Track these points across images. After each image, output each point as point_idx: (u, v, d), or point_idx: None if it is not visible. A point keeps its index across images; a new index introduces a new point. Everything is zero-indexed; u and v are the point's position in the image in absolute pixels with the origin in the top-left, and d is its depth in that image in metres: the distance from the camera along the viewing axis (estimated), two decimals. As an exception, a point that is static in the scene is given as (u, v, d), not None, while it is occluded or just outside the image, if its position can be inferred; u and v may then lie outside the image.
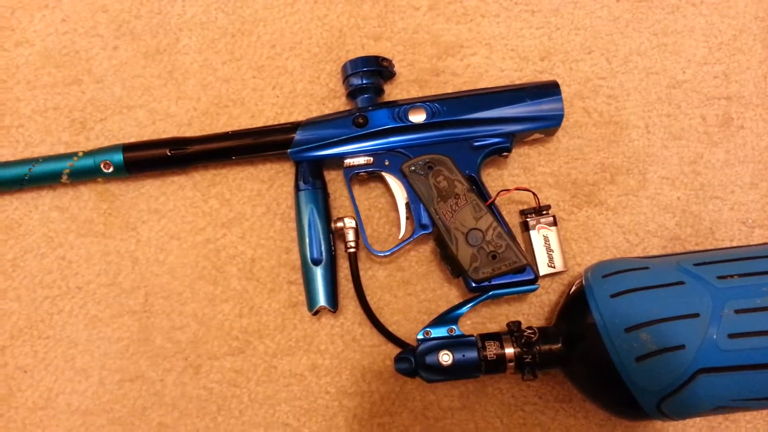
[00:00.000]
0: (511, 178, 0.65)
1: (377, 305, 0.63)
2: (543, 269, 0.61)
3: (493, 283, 0.58)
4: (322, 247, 0.60)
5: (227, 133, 0.62)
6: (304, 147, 0.61)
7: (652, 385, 0.50)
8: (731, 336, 0.48)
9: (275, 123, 0.64)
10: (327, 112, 0.66)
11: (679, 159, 0.65)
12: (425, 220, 0.60)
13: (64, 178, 0.62)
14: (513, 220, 0.64)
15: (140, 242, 0.65)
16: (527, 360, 0.55)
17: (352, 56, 0.65)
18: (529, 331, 0.55)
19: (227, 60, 0.67)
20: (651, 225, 0.64)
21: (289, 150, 0.61)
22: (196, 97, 0.67)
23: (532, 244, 0.61)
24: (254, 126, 0.64)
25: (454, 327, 0.58)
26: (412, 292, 0.64)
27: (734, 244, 0.64)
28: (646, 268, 0.54)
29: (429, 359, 0.56)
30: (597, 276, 0.54)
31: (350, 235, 0.61)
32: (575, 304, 0.56)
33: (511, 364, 0.55)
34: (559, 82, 0.62)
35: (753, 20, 0.67)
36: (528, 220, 0.62)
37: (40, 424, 0.63)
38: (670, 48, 0.67)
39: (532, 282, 0.58)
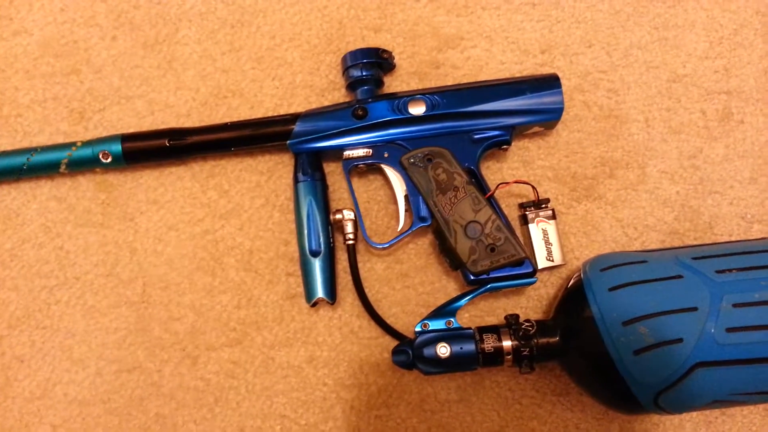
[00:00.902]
0: (511, 171, 0.65)
1: (375, 297, 0.63)
2: (541, 263, 0.61)
3: (491, 275, 0.58)
4: (321, 239, 0.60)
5: (226, 124, 0.62)
6: (304, 138, 0.61)
7: (649, 379, 0.50)
8: (729, 330, 0.48)
9: (274, 114, 0.64)
10: (326, 103, 0.66)
11: (679, 153, 0.65)
12: (424, 212, 0.60)
13: (63, 167, 0.62)
14: (512, 214, 0.64)
15: (138, 233, 0.65)
16: (525, 353, 0.55)
17: (352, 48, 0.65)
18: (527, 324, 0.55)
19: (226, 51, 0.67)
20: (650, 219, 0.64)
21: (288, 141, 0.61)
22: (195, 87, 0.66)
23: (530, 238, 0.61)
24: (253, 117, 0.64)
25: (452, 319, 0.58)
26: (411, 285, 0.64)
27: (733, 238, 0.64)
28: (645, 261, 0.54)
29: (426, 351, 0.56)
30: (595, 269, 0.54)
31: (349, 227, 0.61)
32: (573, 298, 0.56)
33: (509, 357, 0.55)
34: (560, 75, 0.62)
35: (754, 15, 0.67)
36: (527, 213, 0.62)
37: (37, 413, 0.63)
38: (671, 42, 0.67)
39: (530, 275, 0.58)
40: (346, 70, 0.62)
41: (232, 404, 0.63)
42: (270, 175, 0.65)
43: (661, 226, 0.64)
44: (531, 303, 0.63)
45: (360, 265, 0.62)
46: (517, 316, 0.57)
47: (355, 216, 0.61)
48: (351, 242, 0.61)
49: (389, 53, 0.63)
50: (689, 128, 0.65)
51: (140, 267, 0.64)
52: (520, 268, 0.58)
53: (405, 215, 0.61)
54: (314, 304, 0.61)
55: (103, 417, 0.63)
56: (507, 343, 0.56)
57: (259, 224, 0.65)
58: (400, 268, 0.64)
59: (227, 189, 0.65)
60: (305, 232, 0.60)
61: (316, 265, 0.60)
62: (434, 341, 0.56)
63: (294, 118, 0.61)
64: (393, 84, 0.66)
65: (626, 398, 0.52)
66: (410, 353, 0.56)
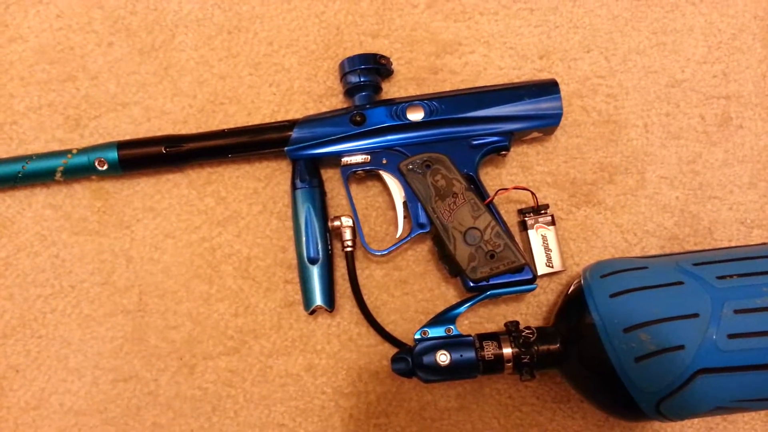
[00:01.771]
0: (510, 177, 0.65)
1: (374, 305, 0.63)
2: (541, 269, 0.61)
3: (491, 282, 0.58)
4: (319, 246, 0.60)
5: (223, 130, 0.62)
6: (301, 145, 0.61)
7: (650, 386, 0.49)
8: (731, 336, 0.48)
9: (272, 121, 0.64)
10: (324, 109, 0.65)
11: (678, 158, 0.65)
12: (423, 219, 0.59)
13: (58, 175, 0.62)
14: (511, 220, 0.63)
15: (135, 241, 0.64)
16: (525, 360, 0.55)
17: (350, 54, 0.64)
18: (527, 331, 0.55)
19: (223, 57, 0.67)
20: (649, 225, 0.64)
21: (285, 148, 0.61)
22: (191, 94, 0.66)
23: (530, 244, 0.61)
24: (251, 124, 0.64)
25: (451, 327, 0.58)
26: (410, 292, 0.63)
27: (733, 244, 0.64)
28: (645, 267, 0.53)
29: (426, 359, 0.55)
30: (596, 276, 0.54)
31: (347, 234, 0.60)
32: (573, 304, 0.56)
33: (509, 364, 0.55)
34: (558, 80, 0.62)
35: (752, 19, 0.67)
36: (526, 219, 0.61)
37: (33, 424, 0.62)
38: (670, 47, 0.66)
39: (530, 282, 0.58)
40: (343, 76, 0.62)
41: (230, 413, 0.62)
42: (267, 181, 0.65)
43: (660, 231, 0.64)
44: (531, 309, 0.63)
45: (358, 272, 0.62)
46: (517, 323, 0.57)
47: (353, 223, 0.61)
48: (349, 249, 0.60)
49: (387, 59, 0.63)
50: (688, 133, 0.65)
51: (136, 275, 0.64)
52: (520, 274, 0.58)
53: (404, 222, 0.61)
54: (312, 312, 0.60)
55: (100, 427, 0.62)
56: (507, 351, 0.55)
57: (256, 231, 0.64)
58: (399, 275, 0.63)
59: (224, 196, 0.65)
60: (303, 239, 0.60)
61: (315, 272, 0.60)
62: (434, 349, 0.56)
63: (291, 124, 0.61)
64: (391, 90, 0.66)
65: (628, 405, 0.51)
66: (410, 361, 0.56)
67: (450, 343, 0.56)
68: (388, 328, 0.61)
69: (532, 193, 0.61)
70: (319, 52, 0.67)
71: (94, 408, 0.62)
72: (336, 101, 0.66)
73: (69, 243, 0.64)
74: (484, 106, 0.60)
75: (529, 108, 0.60)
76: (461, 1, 0.67)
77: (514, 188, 0.62)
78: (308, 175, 0.61)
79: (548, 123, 0.60)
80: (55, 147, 0.65)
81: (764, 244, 0.60)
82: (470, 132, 0.60)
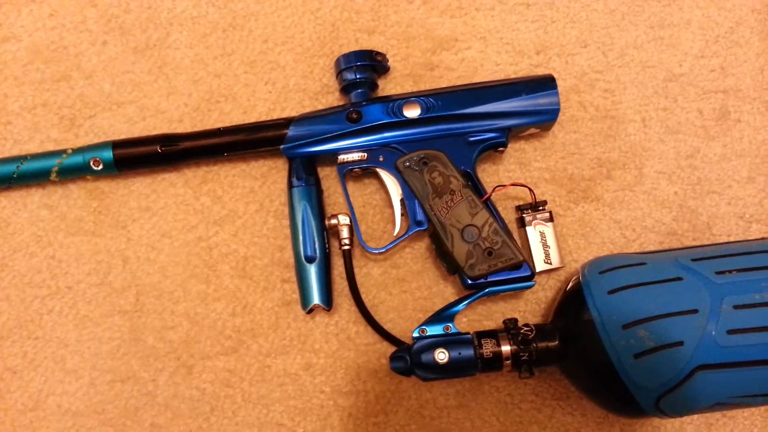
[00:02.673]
0: (507, 173, 0.64)
1: (372, 303, 0.62)
2: (539, 265, 0.60)
3: (489, 280, 0.57)
4: (316, 245, 0.59)
5: (219, 129, 0.61)
6: (297, 143, 0.60)
7: (650, 383, 0.49)
8: (730, 332, 0.48)
9: (268, 119, 0.63)
10: (320, 107, 0.65)
11: (676, 153, 0.64)
12: (420, 216, 0.59)
13: (53, 175, 0.61)
14: (509, 216, 0.63)
15: (131, 241, 0.64)
16: (524, 358, 0.55)
17: (346, 50, 0.64)
18: (525, 328, 0.55)
19: (218, 55, 0.66)
20: (648, 220, 0.63)
21: (281, 146, 0.60)
22: (187, 92, 0.66)
23: (528, 241, 0.61)
24: (246, 122, 0.63)
25: (450, 325, 0.57)
26: (408, 290, 0.63)
27: (732, 239, 0.63)
28: (644, 263, 0.53)
29: (425, 357, 0.55)
30: (594, 272, 0.54)
31: (344, 232, 0.60)
32: (572, 301, 0.56)
33: (508, 362, 0.55)
34: (555, 75, 0.61)
35: (750, 13, 0.66)
36: (524, 215, 0.61)
37: (30, 425, 0.62)
38: (667, 41, 0.66)
39: (528, 279, 0.58)
40: (339, 73, 0.62)
41: (228, 413, 0.62)
42: (264, 180, 0.64)
43: (659, 227, 0.63)
44: (529, 306, 0.63)
45: (356, 270, 0.61)
46: (516, 320, 0.57)
47: (350, 221, 0.60)
48: (347, 247, 0.60)
49: (383, 55, 0.63)
50: (686, 128, 0.65)
51: (133, 275, 0.64)
52: (518, 271, 0.57)
53: (401, 219, 0.60)
54: (310, 311, 0.60)
55: (98, 428, 0.62)
56: (506, 348, 0.55)
57: (253, 230, 0.64)
58: (397, 272, 0.63)
59: (221, 195, 0.64)
60: (300, 237, 0.59)
61: (312, 271, 0.59)
62: (432, 347, 0.55)
63: (287, 122, 0.61)
64: (387, 87, 0.65)
65: (627, 402, 0.51)
66: (408, 359, 0.56)
67: (448, 341, 0.56)
68: (386, 327, 0.61)
69: (530, 190, 0.61)
70: (314, 49, 0.66)
71: (91, 409, 0.62)
72: (332, 98, 0.65)
73: (65, 243, 0.64)
74: (480, 102, 0.59)
75: (526, 104, 0.59)
76: (457, -3, 0.67)
77: (512, 185, 0.61)
78: (305, 173, 0.61)
79: (546, 119, 0.60)
80: (50, 147, 0.65)
81: (763, 238, 0.60)
82: (467, 128, 0.60)
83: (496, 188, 0.60)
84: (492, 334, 0.56)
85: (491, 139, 0.60)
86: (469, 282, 0.57)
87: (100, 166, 0.61)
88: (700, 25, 0.66)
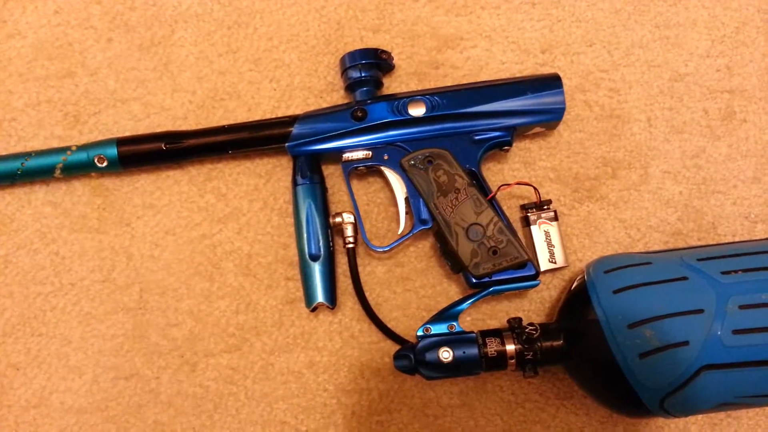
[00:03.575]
0: (512, 172, 0.64)
1: (376, 301, 0.62)
2: (544, 265, 0.60)
3: (493, 279, 0.57)
4: (320, 243, 0.59)
5: (223, 126, 0.61)
6: (302, 141, 0.60)
7: (655, 382, 0.49)
8: (736, 332, 0.48)
9: (272, 116, 0.63)
10: (325, 105, 0.65)
11: (681, 153, 0.64)
12: (425, 215, 0.59)
13: (58, 172, 0.61)
14: (514, 215, 0.63)
15: (135, 238, 0.64)
16: (528, 357, 0.55)
17: (351, 49, 0.64)
18: (530, 327, 0.55)
19: (223, 52, 0.66)
20: (653, 220, 0.63)
21: (286, 144, 0.60)
22: (191, 90, 0.66)
23: (532, 240, 0.61)
24: (251, 119, 0.63)
25: (454, 323, 0.57)
26: (412, 288, 0.63)
27: (737, 239, 0.63)
28: (649, 263, 0.53)
29: (429, 356, 0.55)
30: (599, 271, 0.54)
31: (349, 231, 0.60)
32: (577, 300, 0.56)
33: (512, 361, 0.55)
34: (561, 74, 0.61)
35: (756, 12, 0.66)
36: (529, 215, 0.61)
37: (33, 422, 0.62)
38: (673, 40, 0.66)
39: (533, 278, 0.58)
40: (344, 71, 0.62)
41: (232, 411, 0.62)
42: (268, 178, 0.64)
43: (664, 226, 0.63)
44: (534, 306, 0.63)
45: (360, 268, 0.61)
46: (520, 319, 0.57)
47: (354, 219, 0.60)
48: (351, 246, 0.60)
49: (388, 54, 0.63)
50: (692, 127, 0.65)
51: (137, 272, 0.64)
52: (523, 270, 0.57)
53: (405, 218, 0.60)
54: (314, 309, 0.60)
55: (101, 425, 0.62)
56: (510, 347, 0.55)
57: (257, 228, 0.64)
58: (401, 271, 0.63)
59: (225, 192, 0.64)
60: (304, 235, 0.59)
61: (316, 269, 0.59)
62: (436, 346, 0.55)
63: (292, 120, 0.60)
64: (392, 85, 0.65)
65: (632, 402, 0.51)
66: (412, 358, 0.56)
67: (453, 339, 0.56)
68: (390, 325, 0.61)
69: (535, 189, 0.61)
70: (319, 47, 0.66)
71: (95, 406, 0.62)
72: (337, 97, 0.65)
73: (69, 240, 0.64)
74: (486, 100, 0.59)
75: (531, 103, 0.59)
76: (463, -5, 0.67)
77: (517, 183, 0.61)
78: (309, 171, 0.60)
79: (551, 118, 0.60)
80: (55, 144, 0.65)
81: (768, 239, 0.60)
82: (472, 127, 0.59)
83: (501, 187, 0.60)
84: (496, 333, 0.56)
85: (496, 138, 0.60)
86: (474, 281, 0.57)
87: (105, 164, 0.61)
88: (706, 24, 0.66)
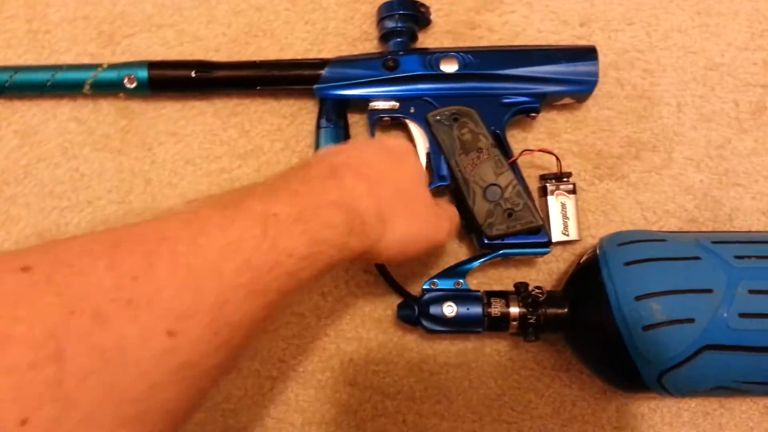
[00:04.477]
0: (536, 142, 0.64)
1: (386, 253, 0.62)
2: (556, 236, 0.60)
3: (505, 241, 0.57)
4: (338, 188, 0.59)
5: (255, 62, 0.61)
6: (331, 84, 0.60)
7: (656, 356, 0.49)
8: (742, 315, 0.48)
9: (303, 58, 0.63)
10: (357, 53, 0.65)
11: (707, 142, 0.64)
12: (444, 171, 0.59)
13: (87, 88, 0.61)
14: (532, 185, 0.62)
15: (155, 163, 0.64)
16: (531, 321, 0.55)
17: (388, -1, 0.64)
18: (537, 290, 0.55)
19: (262, -11, 0.66)
20: (670, 205, 0.63)
21: (315, 86, 0.60)
22: (226, 22, 0.66)
23: (548, 210, 0.60)
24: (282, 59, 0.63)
25: (461, 281, 0.58)
26: (422, 245, 0.63)
27: (752, 233, 0.63)
28: (664, 240, 0.53)
29: (433, 309, 0.55)
30: (613, 244, 0.54)
31: (367, 179, 0.60)
32: (586, 271, 0.56)
33: (515, 323, 0.55)
34: (597, 49, 0.61)
35: (800, 11, 0.66)
36: (547, 185, 0.61)
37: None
38: (712, 29, 0.65)
39: (545, 245, 0.58)
40: (381, 20, 0.61)
41: (232, 343, 0.62)
42: (293, 119, 0.65)
43: (680, 212, 0.63)
44: (541, 276, 0.63)
45: (374, 218, 0.61)
46: (527, 284, 0.57)
47: (374, 168, 0.60)
48: (368, 194, 0.60)
49: (427, 7, 0.62)
50: (720, 117, 0.64)
51: (153, 198, 0.64)
52: (536, 236, 0.57)
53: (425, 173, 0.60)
54: (324, 252, 0.60)
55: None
56: (514, 310, 0.55)
57: (276, 168, 0.64)
58: (414, 226, 0.63)
59: (248, 129, 0.65)
60: (324, 176, 0.59)
61: (331, 213, 0.59)
62: (441, 300, 0.56)
63: (324, 63, 0.60)
64: (426, 41, 0.65)
65: (630, 375, 0.51)
66: (416, 309, 0.56)
67: (458, 295, 0.56)
68: (397, 279, 0.61)
69: (557, 158, 0.60)
70: (358, -6, 0.66)
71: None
72: (370, 46, 0.65)
73: (90, 158, 0.64)
74: (519, 64, 0.59)
75: (564, 71, 0.59)
76: (507, -40, 0.66)
77: (540, 151, 0.61)
78: (335, 115, 0.60)
79: (582, 89, 0.60)
80: (86, 61, 0.65)
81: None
82: (502, 90, 0.59)
83: (524, 152, 0.60)
84: (502, 295, 0.56)
85: (525, 103, 0.59)
86: (486, 241, 0.57)
87: (134, 85, 0.61)
88: (748, 17, 0.66)
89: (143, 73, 0.61)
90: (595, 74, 0.59)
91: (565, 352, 0.61)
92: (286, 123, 0.65)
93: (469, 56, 0.59)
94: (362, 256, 0.44)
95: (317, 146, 0.61)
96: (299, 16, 0.66)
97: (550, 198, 0.61)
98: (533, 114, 0.60)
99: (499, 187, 0.57)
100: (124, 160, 0.64)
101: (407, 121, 0.60)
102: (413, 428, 0.61)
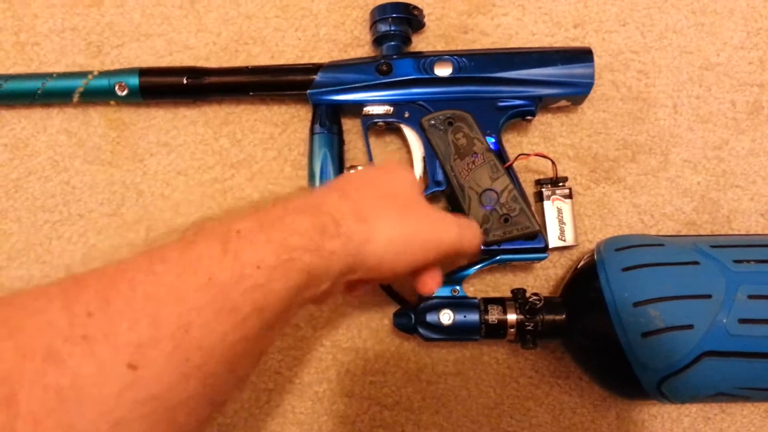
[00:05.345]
0: (531, 146, 0.63)
1: (381, 261, 0.62)
2: (553, 242, 0.59)
3: (502, 247, 0.57)
4: (332, 196, 0.59)
5: (247, 67, 0.61)
6: (324, 89, 0.59)
7: (655, 363, 0.48)
8: (742, 321, 0.47)
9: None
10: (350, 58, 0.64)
11: (704, 143, 0.63)
12: (440, 176, 0.58)
13: (77, 97, 0.61)
14: (528, 190, 0.62)
15: (147, 175, 0.64)
16: (529, 328, 0.54)
17: (381, 2, 0.63)
18: (534, 297, 0.54)
19: (252, -3, 0.66)
20: (668, 207, 0.63)
21: (308, 91, 0.60)
22: (216, 31, 0.65)
23: (544, 215, 0.60)
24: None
25: (458, 288, 0.57)
26: (418, 252, 0.62)
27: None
28: (662, 245, 0.52)
29: (429, 317, 0.55)
30: (610, 249, 0.53)
31: (361, 186, 0.59)
32: (584, 276, 0.55)
33: (512, 330, 0.54)
34: (591, 51, 0.60)
35: (796, 9, 0.65)
36: (543, 190, 0.60)
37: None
38: (707, 28, 0.65)
39: (542, 250, 0.57)
40: (374, 23, 0.61)
41: (227, 355, 0.61)
42: (285, 127, 0.64)
43: (678, 215, 0.62)
44: (538, 282, 0.62)
45: (369, 226, 0.61)
46: (524, 290, 0.56)
47: (368, 175, 0.60)
48: (362, 201, 0.59)
49: (420, 11, 0.62)
50: (717, 118, 0.64)
51: (146, 210, 0.63)
52: (533, 242, 0.57)
53: (420, 178, 0.60)
54: (319, 261, 0.59)
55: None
56: (512, 317, 0.54)
57: (269, 177, 0.63)
58: (409, 233, 0.62)
59: (240, 138, 0.64)
60: (317, 185, 0.59)
61: (325, 221, 0.59)
62: (438, 307, 0.55)
63: (317, 68, 0.60)
64: (419, 45, 0.64)
65: (629, 382, 0.51)
66: (412, 317, 0.55)
67: (455, 303, 0.55)
68: (393, 287, 0.61)
69: (553, 162, 0.60)
70: None
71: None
72: (362, 52, 0.64)
73: (81, 170, 0.64)
74: (514, 67, 0.58)
75: (560, 73, 0.58)
76: (499, -37, 0.65)
77: (536, 155, 0.60)
78: (328, 120, 0.60)
79: (578, 91, 0.59)
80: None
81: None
82: (497, 93, 0.59)
83: (520, 156, 0.59)
84: (499, 302, 0.55)
85: (520, 106, 0.59)
86: (482, 247, 0.57)
87: (125, 92, 0.60)
88: (744, 15, 0.65)
89: (134, 80, 0.60)
90: (591, 76, 0.58)
91: (564, 359, 0.60)
92: (279, 131, 0.64)
93: (464, 59, 0.59)
94: (356, 263, 0.41)
95: (311, 152, 0.60)
96: (290, 23, 0.65)
97: (546, 203, 0.60)
98: (529, 117, 0.60)
99: (495, 192, 0.57)
100: (115, 172, 0.64)
101: (401, 125, 0.60)
102: (412, 438, 0.60)
